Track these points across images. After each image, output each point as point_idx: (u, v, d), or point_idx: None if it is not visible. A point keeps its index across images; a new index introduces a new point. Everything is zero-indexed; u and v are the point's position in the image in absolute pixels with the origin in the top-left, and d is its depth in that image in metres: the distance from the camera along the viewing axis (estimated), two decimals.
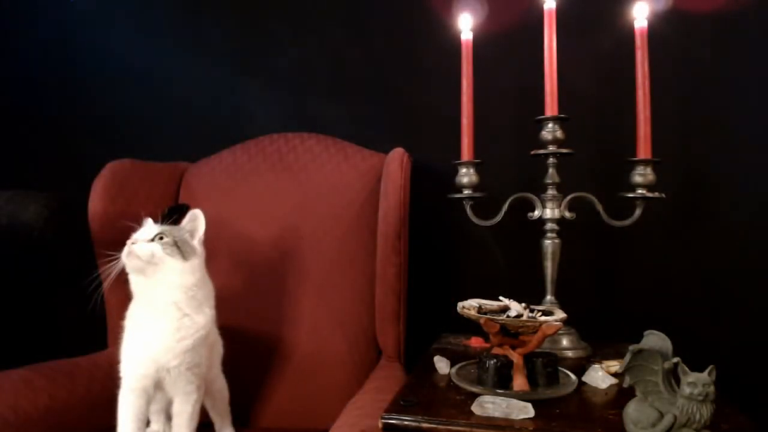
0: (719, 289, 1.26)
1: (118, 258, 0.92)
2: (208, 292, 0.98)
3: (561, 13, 1.09)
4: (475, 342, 1.16)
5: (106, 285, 0.95)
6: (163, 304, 0.93)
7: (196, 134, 1.54)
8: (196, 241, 0.97)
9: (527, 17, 1.28)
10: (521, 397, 0.79)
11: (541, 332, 0.83)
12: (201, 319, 0.95)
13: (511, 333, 0.86)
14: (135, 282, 0.95)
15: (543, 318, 0.87)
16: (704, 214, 1.27)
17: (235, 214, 1.30)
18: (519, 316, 0.88)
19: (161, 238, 0.92)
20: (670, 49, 1.23)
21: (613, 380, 0.89)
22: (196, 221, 0.99)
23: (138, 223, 0.98)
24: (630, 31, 1.08)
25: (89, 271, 1.00)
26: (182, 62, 1.56)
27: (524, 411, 0.75)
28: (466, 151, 1.14)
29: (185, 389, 0.96)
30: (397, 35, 1.42)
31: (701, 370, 0.65)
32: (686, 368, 0.65)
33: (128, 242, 0.92)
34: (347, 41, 1.46)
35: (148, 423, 1.05)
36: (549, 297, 1.12)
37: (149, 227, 0.96)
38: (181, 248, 0.92)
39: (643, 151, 1.05)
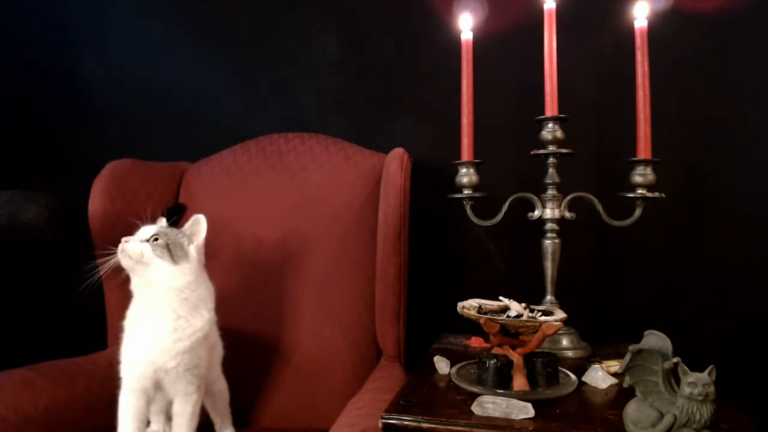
0: (719, 289, 1.26)
1: (115, 253, 0.93)
2: (204, 294, 0.98)
3: (561, 13, 1.09)
4: (475, 342, 1.16)
5: (101, 276, 0.96)
6: (158, 306, 0.93)
7: (196, 134, 1.53)
8: (193, 246, 0.97)
9: (527, 17, 1.28)
10: (521, 397, 0.79)
11: (541, 332, 0.83)
12: (198, 321, 0.95)
13: (511, 333, 0.86)
14: (133, 281, 0.96)
15: (543, 318, 0.87)
16: (704, 214, 1.27)
17: (235, 214, 1.30)
18: (519, 316, 0.88)
19: (156, 240, 0.93)
20: (670, 49, 1.23)
21: (613, 380, 0.89)
22: (197, 226, 0.99)
23: (140, 222, 0.98)
24: (630, 31, 1.08)
25: (88, 269, 1.00)
26: (182, 62, 1.55)
27: (524, 411, 0.75)
28: (466, 151, 1.14)
29: (185, 390, 0.96)
30: (397, 35, 1.42)
31: (701, 370, 0.65)
32: (686, 368, 0.66)
33: (122, 240, 0.93)
34: (347, 41, 1.46)
35: (148, 423, 1.05)
36: (549, 297, 1.12)
37: (151, 227, 0.97)
38: (171, 251, 0.93)
39: (643, 151, 1.05)
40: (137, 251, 0.91)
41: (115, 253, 0.93)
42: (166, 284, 0.92)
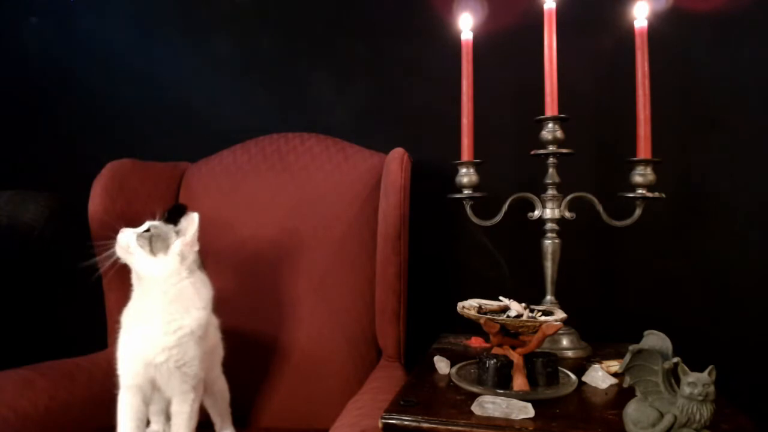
0: (719, 289, 1.26)
1: (114, 245, 0.96)
2: (190, 291, 0.96)
3: (561, 13, 1.09)
4: (475, 342, 1.16)
5: (101, 271, 0.99)
6: (146, 299, 0.95)
7: (196, 134, 1.54)
8: (179, 241, 0.96)
9: (527, 17, 1.28)
10: (521, 397, 0.79)
11: (541, 332, 0.83)
12: (185, 318, 0.95)
13: (511, 333, 0.86)
14: (132, 275, 0.97)
15: (543, 318, 0.87)
16: (704, 214, 1.27)
17: (235, 214, 1.30)
18: (519, 316, 0.88)
19: (146, 231, 0.95)
20: (670, 49, 1.23)
21: (613, 380, 0.89)
22: (189, 223, 0.99)
23: (140, 222, 0.99)
24: (630, 31, 1.08)
25: (89, 270, 1.01)
26: (182, 62, 1.56)
27: (524, 411, 0.75)
28: (466, 151, 1.14)
29: (181, 389, 0.96)
30: (397, 35, 1.42)
31: (701, 370, 0.65)
32: (686, 368, 0.65)
33: (120, 230, 0.95)
34: (348, 41, 1.46)
35: (148, 423, 1.05)
36: (549, 297, 1.12)
37: (150, 222, 0.98)
38: (152, 244, 0.94)
39: (643, 151, 1.05)
40: (125, 241, 0.94)
41: (114, 244, 0.95)
42: (147, 275, 0.94)
